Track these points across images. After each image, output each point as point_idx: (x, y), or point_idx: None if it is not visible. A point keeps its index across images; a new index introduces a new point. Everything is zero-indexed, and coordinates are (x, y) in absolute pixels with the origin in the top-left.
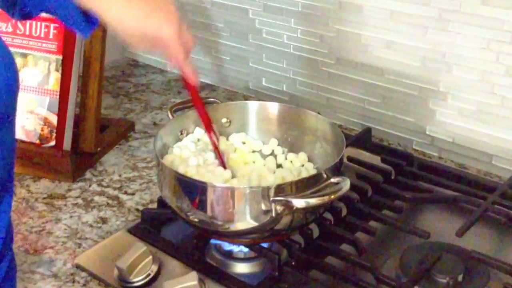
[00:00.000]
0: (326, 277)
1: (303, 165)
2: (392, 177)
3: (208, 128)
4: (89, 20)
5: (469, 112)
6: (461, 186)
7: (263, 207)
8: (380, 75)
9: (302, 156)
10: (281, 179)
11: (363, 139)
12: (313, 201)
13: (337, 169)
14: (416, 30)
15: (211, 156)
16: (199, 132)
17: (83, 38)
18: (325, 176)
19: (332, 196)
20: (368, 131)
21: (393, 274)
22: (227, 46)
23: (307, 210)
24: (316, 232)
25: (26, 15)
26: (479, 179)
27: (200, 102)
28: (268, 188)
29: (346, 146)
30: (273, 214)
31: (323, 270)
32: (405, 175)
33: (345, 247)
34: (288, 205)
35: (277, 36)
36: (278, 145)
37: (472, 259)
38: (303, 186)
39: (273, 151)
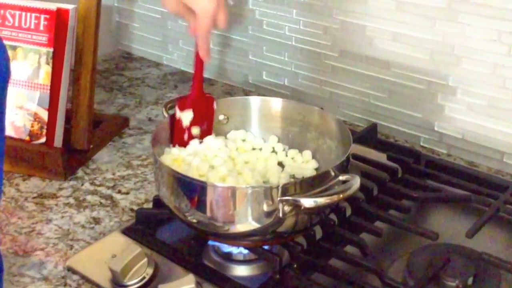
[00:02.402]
0: (329, 280)
1: (307, 162)
2: (399, 176)
3: (198, 109)
4: None
5: (479, 107)
6: (471, 185)
7: (267, 207)
8: (386, 68)
9: (307, 154)
10: (288, 177)
11: (368, 135)
12: (322, 200)
13: (344, 167)
14: (424, 21)
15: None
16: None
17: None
18: (333, 174)
19: (342, 195)
20: (373, 127)
21: (400, 277)
22: (226, 38)
23: (314, 210)
24: (319, 233)
25: None
26: (490, 177)
27: (199, 76)
28: (272, 187)
29: None
30: (280, 215)
31: (326, 273)
32: (413, 173)
33: (349, 248)
34: (296, 205)
35: (278, 28)
36: (279, 142)
37: (483, 261)
38: (310, 185)
39: (273, 148)
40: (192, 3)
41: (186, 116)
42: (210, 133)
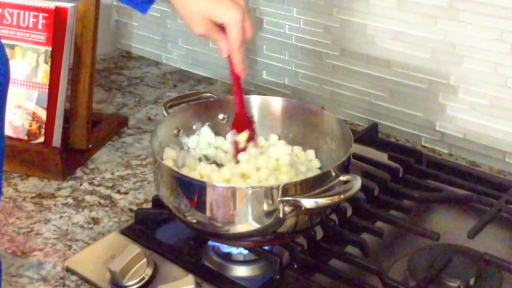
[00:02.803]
0: (330, 281)
1: (310, 161)
2: (400, 175)
3: (247, 125)
4: None
5: (481, 107)
6: (473, 185)
7: (267, 208)
8: (387, 67)
9: (310, 153)
10: (293, 176)
11: (369, 135)
12: (323, 200)
13: (345, 167)
14: (425, 20)
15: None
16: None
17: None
18: (333, 174)
19: (343, 196)
20: (374, 126)
21: (401, 278)
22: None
23: (314, 211)
24: (319, 234)
25: None
26: (491, 177)
27: (240, 94)
28: (272, 187)
29: None
30: (281, 215)
31: (327, 274)
32: (414, 173)
33: (350, 249)
34: (296, 205)
35: (279, 27)
36: (279, 139)
37: (485, 262)
38: (310, 185)
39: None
40: (220, 16)
41: (242, 137)
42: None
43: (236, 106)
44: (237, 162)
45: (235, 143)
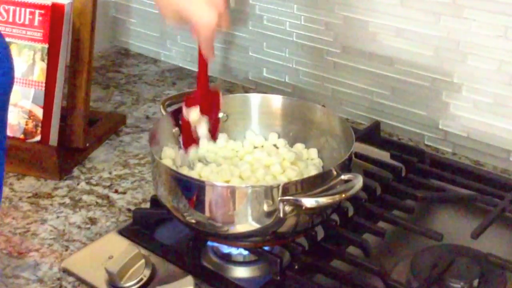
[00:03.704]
0: (331, 282)
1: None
2: (403, 175)
3: (206, 110)
4: None
5: (485, 105)
6: (477, 184)
7: (267, 207)
8: (390, 65)
9: (313, 152)
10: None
11: (371, 133)
12: (324, 200)
13: (346, 166)
14: (428, 16)
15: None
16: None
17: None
18: (335, 173)
19: (344, 195)
20: (376, 125)
21: (404, 279)
22: (225, 33)
23: (315, 210)
24: (321, 234)
25: None
26: (496, 176)
27: (205, 80)
28: (272, 187)
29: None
30: (281, 215)
31: (328, 275)
32: (417, 173)
33: (352, 249)
34: (297, 205)
35: (279, 23)
36: (279, 138)
37: (488, 262)
38: (311, 184)
39: (275, 145)
40: (192, 16)
41: (193, 113)
42: (217, 129)
43: (198, 84)
44: (185, 148)
45: (185, 125)
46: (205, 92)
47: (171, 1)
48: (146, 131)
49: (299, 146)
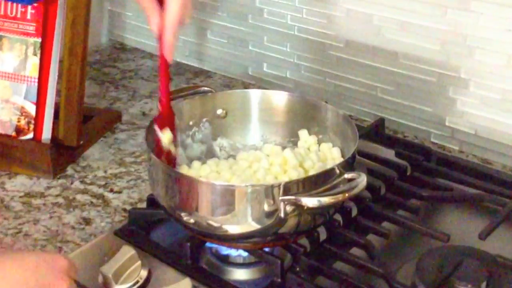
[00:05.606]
0: (334, 284)
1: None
2: (408, 173)
3: (168, 121)
4: None
5: (493, 101)
6: (484, 183)
7: (268, 207)
8: (395, 60)
9: (335, 151)
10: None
11: (375, 131)
12: (326, 199)
13: (350, 164)
14: (434, 9)
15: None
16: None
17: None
18: (337, 171)
19: (347, 194)
20: (381, 122)
21: (409, 281)
22: (224, 27)
23: (317, 210)
24: (323, 235)
25: None
26: (504, 175)
27: (166, 82)
28: (273, 186)
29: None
30: (282, 215)
31: (331, 277)
32: (422, 171)
33: (355, 251)
34: (298, 205)
35: (280, 17)
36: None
37: (497, 264)
38: (313, 183)
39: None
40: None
41: (165, 137)
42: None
43: (160, 95)
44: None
45: (158, 142)
46: (169, 108)
47: None
48: (142, 128)
49: (325, 146)
